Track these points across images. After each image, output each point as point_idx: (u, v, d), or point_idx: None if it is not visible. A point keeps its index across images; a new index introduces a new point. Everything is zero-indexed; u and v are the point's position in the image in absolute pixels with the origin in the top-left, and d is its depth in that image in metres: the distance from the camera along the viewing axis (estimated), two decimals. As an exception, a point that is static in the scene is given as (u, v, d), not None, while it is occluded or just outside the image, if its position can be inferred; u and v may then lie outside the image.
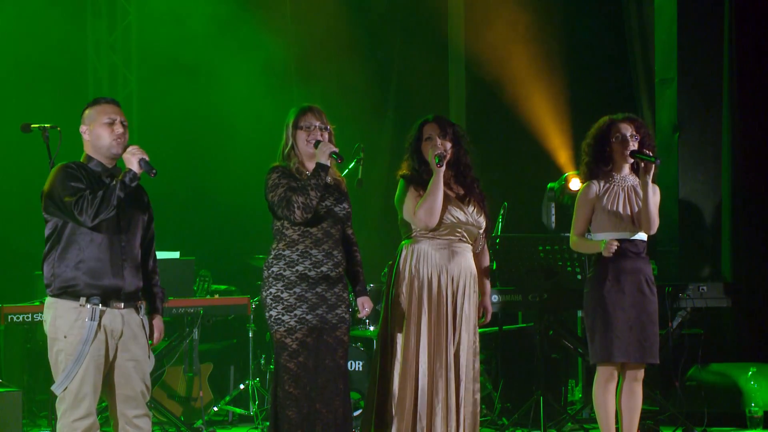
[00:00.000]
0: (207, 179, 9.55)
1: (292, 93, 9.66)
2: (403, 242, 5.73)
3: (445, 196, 5.59)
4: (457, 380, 5.56)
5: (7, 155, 8.94)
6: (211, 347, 8.63)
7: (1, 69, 9.17)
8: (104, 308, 4.63)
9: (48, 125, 5.77)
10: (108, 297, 4.65)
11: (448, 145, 5.64)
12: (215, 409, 7.96)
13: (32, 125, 5.81)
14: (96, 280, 4.62)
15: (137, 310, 4.77)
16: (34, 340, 8.13)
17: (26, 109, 8.53)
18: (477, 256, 5.77)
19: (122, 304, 4.69)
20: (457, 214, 5.62)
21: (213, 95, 9.52)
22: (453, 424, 5.52)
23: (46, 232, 4.69)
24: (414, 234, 5.66)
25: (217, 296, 7.87)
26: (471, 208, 5.67)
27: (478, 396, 5.66)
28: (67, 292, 4.62)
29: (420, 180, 5.65)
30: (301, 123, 5.38)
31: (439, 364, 5.53)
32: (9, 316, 6.95)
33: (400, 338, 5.58)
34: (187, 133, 9.37)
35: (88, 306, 4.61)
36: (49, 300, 4.69)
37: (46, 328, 4.68)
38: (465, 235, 5.66)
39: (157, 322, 4.92)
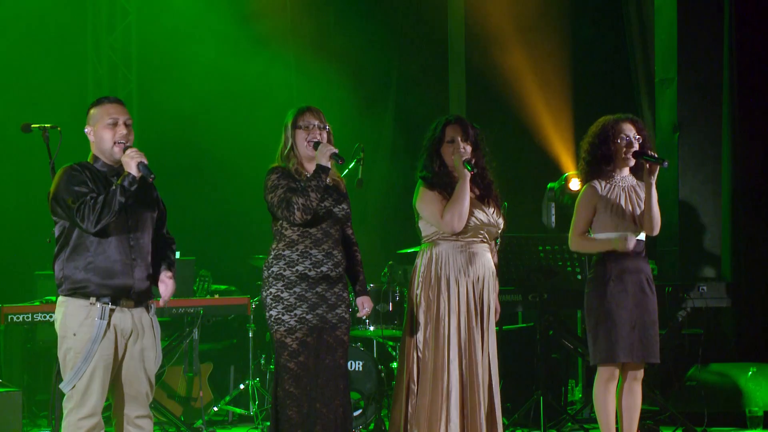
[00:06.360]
0: (207, 179, 9.54)
1: (292, 93, 9.67)
2: (422, 245, 5.69)
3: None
4: (488, 381, 5.53)
5: (7, 155, 8.93)
6: (211, 347, 8.62)
7: (1, 69, 9.16)
8: (114, 307, 4.62)
9: (48, 125, 5.76)
10: (118, 296, 4.64)
11: (469, 148, 5.61)
12: (215, 409, 7.96)
13: (32, 125, 5.81)
14: (106, 280, 4.61)
15: (147, 309, 4.76)
16: (34, 340, 8.14)
17: (26, 109, 8.52)
18: None
19: (132, 303, 4.68)
20: (480, 216, 5.60)
21: (213, 95, 9.52)
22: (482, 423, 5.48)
23: (55, 233, 4.68)
24: (435, 237, 5.62)
25: (217, 296, 7.86)
26: (491, 210, 5.66)
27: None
28: (78, 292, 4.61)
29: (441, 182, 5.61)
30: (299, 122, 5.37)
31: (469, 366, 5.50)
32: (9, 316, 6.95)
33: (428, 343, 5.53)
34: (187, 133, 9.36)
35: (98, 305, 4.60)
36: (60, 299, 4.68)
37: (57, 326, 4.67)
38: (486, 236, 5.65)
39: (167, 278, 4.81)
